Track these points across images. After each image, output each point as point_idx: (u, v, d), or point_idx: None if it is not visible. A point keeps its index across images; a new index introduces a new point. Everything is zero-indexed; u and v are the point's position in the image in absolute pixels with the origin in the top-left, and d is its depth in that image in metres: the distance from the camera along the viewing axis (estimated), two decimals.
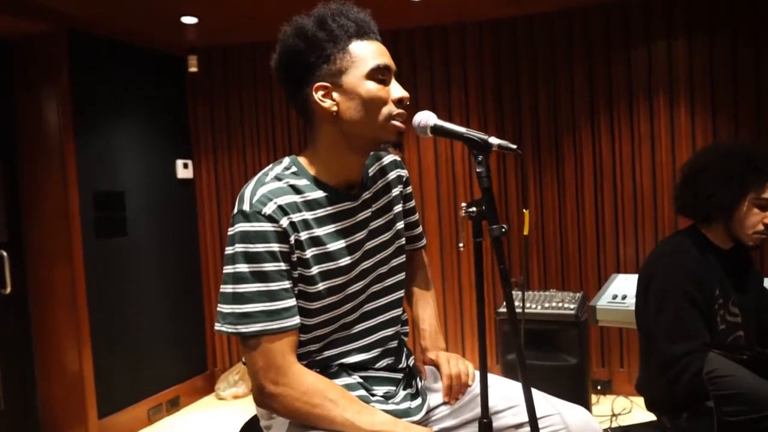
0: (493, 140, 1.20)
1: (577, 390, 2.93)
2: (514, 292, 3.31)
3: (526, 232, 1.23)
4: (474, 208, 1.19)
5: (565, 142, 3.81)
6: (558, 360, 2.96)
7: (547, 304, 3.01)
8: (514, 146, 1.19)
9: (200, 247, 4.22)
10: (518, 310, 3.02)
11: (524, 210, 1.18)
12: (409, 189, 1.55)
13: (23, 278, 3.35)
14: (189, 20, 3.50)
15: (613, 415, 3.41)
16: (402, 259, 1.48)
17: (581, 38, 3.72)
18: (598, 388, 3.72)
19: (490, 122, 3.90)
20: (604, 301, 2.77)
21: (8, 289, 3.20)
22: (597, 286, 3.70)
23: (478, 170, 1.19)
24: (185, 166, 4.10)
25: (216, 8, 3.32)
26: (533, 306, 3.02)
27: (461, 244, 1.35)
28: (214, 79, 4.17)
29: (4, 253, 3.18)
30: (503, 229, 1.17)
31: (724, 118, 3.50)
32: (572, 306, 2.95)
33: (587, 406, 3.00)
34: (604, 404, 3.60)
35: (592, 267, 3.79)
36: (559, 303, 3.00)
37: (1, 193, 3.28)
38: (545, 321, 2.96)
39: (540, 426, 1.35)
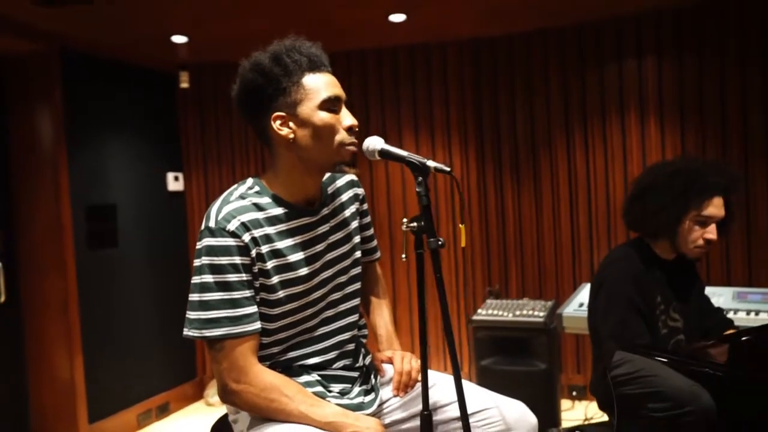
0: (431, 163, 1.35)
1: (547, 394, 3.06)
2: (490, 300, 3.45)
3: (463, 245, 1.37)
4: (414, 224, 1.34)
5: (542, 157, 3.96)
6: (528, 365, 3.08)
7: (518, 312, 3.14)
8: (448, 169, 1.33)
9: (190, 257, 4.34)
10: (496, 317, 3.17)
11: (460, 225, 1.32)
12: (365, 206, 1.69)
13: (17, 288, 3.47)
14: (179, 39, 3.65)
15: (586, 419, 3.53)
16: (358, 270, 1.62)
17: (557, 57, 3.87)
18: (574, 394, 3.84)
19: (470, 138, 4.06)
20: (570, 309, 2.91)
21: (2, 299, 3.31)
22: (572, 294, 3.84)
23: (417, 190, 1.34)
24: (176, 178, 4.24)
25: (205, 28, 3.47)
26: (505, 314, 3.15)
27: (404, 256, 1.49)
28: (204, 94, 4.32)
29: None
30: (440, 242, 1.31)
31: (692, 133, 3.65)
32: (542, 314, 3.08)
33: (556, 409, 3.12)
34: (578, 409, 3.73)
35: (567, 276, 3.93)
36: (530, 311, 3.14)
37: None
38: (516, 328, 3.09)
39: (479, 418, 1.50)
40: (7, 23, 3.09)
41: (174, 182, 4.22)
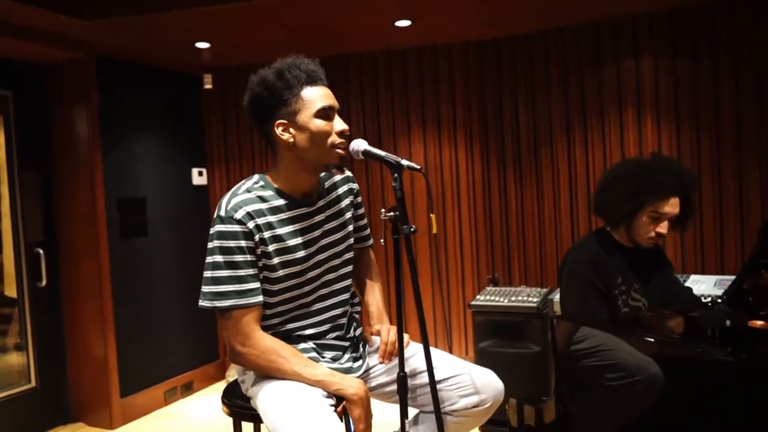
0: (404, 162, 1.60)
1: (539, 373, 3.27)
2: (489, 287, 3.67)
3: (434, 231, 1.62)
4: (391, 213, 1.58)
5: (543, 152, 4.16)
6: (523, 348, 3.30)
7: (514, 298, 3.36)
8: (419, 167, 1.58)
9: None
10: (493, 303, 3.39)
11: (431, 214, 1.56)
12: (359, 199, 1.94)
13: (56, 273, 3.79)
14: (202, 45, 3.93)
15: None
16: (351, 254, 1.88)
17: (557, 57, 4.07)
18: None
19: (475, 135, 4.27)
20: None
21: (44, 283, 3.65)
22: None
23: (393, 185, 1.59)
24: (200, 173, 4.53)
25: (225, 35, 3.73)
26: (501, 300, 3.38)
27: (382, 240, 1.75)
28: (226, 94, 4.59)
29: (41, 251, 3.65)
30: (412, 229, 1.56)
31: (687, 130, 3.81)
32: (535, 300, 3.30)
33: (549, 388, 3.33)
34: None
35: None
36: (525, 297, 3.35)
37: (38, 198, 3.73)
38: (511, 313, 3.31)
39: (452, 382, 1.75)
40: (49, 35, 3.39)
41: (198, 177, 4.51)
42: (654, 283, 2.33)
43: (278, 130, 1.69)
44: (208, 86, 4.48)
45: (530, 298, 3.34)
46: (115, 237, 3.82)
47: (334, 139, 1.70)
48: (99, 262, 3.71)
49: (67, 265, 3.80)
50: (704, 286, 3.05)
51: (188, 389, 4.31)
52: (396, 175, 1.59)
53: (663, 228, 2.18)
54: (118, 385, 3.80)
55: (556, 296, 3.17)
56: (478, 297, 3.48)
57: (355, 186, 1.93)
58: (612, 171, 2.32)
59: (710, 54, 3.72)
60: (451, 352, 1.59)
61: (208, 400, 4.24)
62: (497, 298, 3.40)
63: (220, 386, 4.49)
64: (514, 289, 3.53)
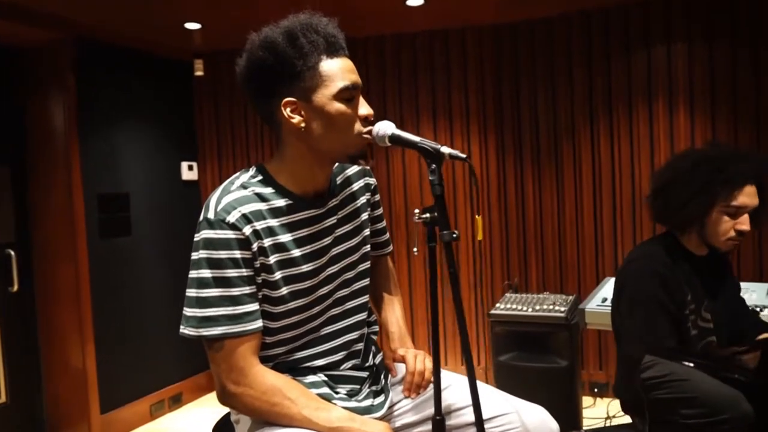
0: (445, 149, 1.24)
1: (567, 391, 2.95)
2: (508, 294, 3.34)
3: (479, 237, 1.28)
4: (427, 215, 1.24)
5: (564, 147, 3.83)
6: (549, 362, 2.98)
7: (538, 307, 3.03)
8: (464, 155, 1.23)
9: None
10: (515, 312, 3.07)
11: (476, 216, 1.23)
12: (377, 197, 1.58)
13: (30, 277, 3.47)
14: (193, 26, 3.58)
15: (608, 417, 3.42)
16: (367, 265, 1.52)
17: (580, 43, 3.73)
18: (595, 390, 3.73)
19: (489, 126, 3.94)
20: (593, 304, 2.79)
21: (15, 288, 3.32)
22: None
23: (430, 178, 1.24)
24: (190, 168, 4.19)
25: (218, 15, 3.39)
26: (524, 308, 3.04)
27: (415, 249, 1.41)
28: (219, 82, 4.25)
29: (12, 253, 3.31)
30: (454, 235, 1.21)
31: (723, 121, 3.49)
32: (563, 309, 2.97)
33: (577, 407, 3.01)
34: (600, 407, 3.62)
35: (590, 270, 3.80)
36: (551, 306, 3.03)
37: (9, 194, 3.40)
38: (536, 323, 2.98)
39: (496, 423, 1.41)
40: (23, 12, 3.06)
41: (188, 171, 4.17)
42: (723, 299, 1.99)
43: (286, 111, 1.32)
44: (200, 73, 4.13)
45: (557, 307, 3.01)
46: (94, 237, 3.50)
47: (357, 127, 1.34)
48: (77, 265, 3.39)
49: (41, 268, 3.48)
50: (755, 295, 2.72)
51: (177, 402, 3.97)
52: (434, 166, 1.23)
53: (743, 224, 1.83)
54: (98, 400, 3.48)
55: (587, 305, 2.83)
56: (497, 305, 3.15)
57: (373, 181, 1.58)
58: (668, 168, 1.96)
59: (749, 39, 3.40)
60: (469, 367, 1.21)
61: (199, 413, 3.91)
62: (519, 307, 3.07)
63: (211, 398, 4.16)
64: (537, 296, 3.20)
